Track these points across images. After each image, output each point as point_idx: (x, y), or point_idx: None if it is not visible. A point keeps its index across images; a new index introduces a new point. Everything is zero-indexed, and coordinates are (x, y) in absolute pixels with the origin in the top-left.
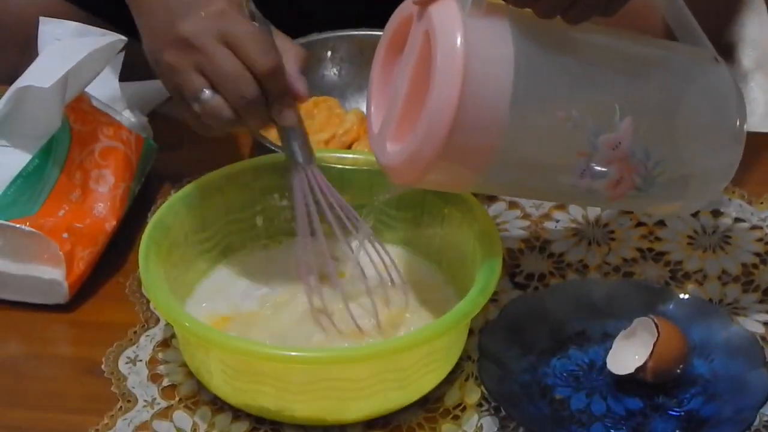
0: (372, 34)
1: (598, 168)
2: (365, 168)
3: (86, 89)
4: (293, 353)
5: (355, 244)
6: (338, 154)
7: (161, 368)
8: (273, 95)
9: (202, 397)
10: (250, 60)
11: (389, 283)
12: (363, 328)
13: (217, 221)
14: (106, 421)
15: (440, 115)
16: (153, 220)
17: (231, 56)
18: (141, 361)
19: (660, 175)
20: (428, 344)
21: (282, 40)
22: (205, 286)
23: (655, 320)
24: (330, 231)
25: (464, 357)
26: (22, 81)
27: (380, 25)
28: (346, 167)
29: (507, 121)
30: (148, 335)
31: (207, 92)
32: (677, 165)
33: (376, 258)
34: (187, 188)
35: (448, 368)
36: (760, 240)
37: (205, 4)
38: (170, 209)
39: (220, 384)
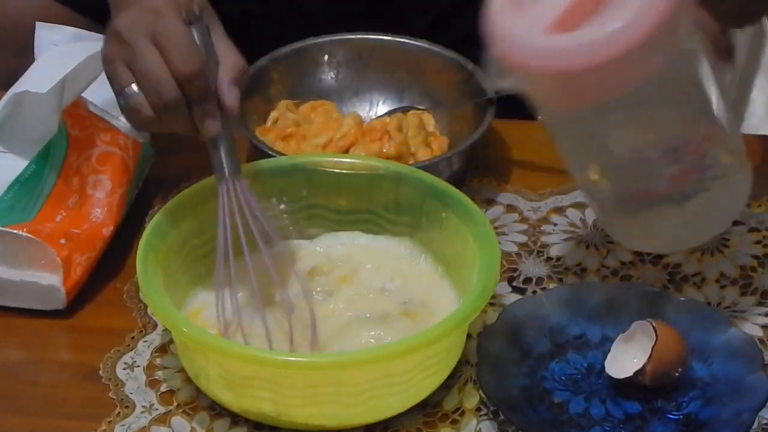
0: (369, 38)
1: (683, 154)
2: (363, 172)
3: (83, 94)
4: (292, 358)
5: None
6: (335, 159)
7: (159, 374)
8: (194, 101)
9: (200, 403)
10: (171, 62)
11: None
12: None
13: (215, 226)
14: (104, 427)
15: (640, 21)
16: (150, 225)
17: (155, 55)
18: (139, 366)
19: (700, 192)
20: (427, 349)
21: (225, 49)
22: (203, 291)
23: (654, 324)
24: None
25: (463, 361)
26: (19, 86)
27: (380, 25)
28: (344, 171)
29: (671, 63)
30: (145, 341)
31: (132, 88)
32: (716, 185)
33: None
34: (185, 193)
35: (447, 372)
36: (758, 243)
37: (144, 0)
38: (168, 214)
39: (219, 389)
